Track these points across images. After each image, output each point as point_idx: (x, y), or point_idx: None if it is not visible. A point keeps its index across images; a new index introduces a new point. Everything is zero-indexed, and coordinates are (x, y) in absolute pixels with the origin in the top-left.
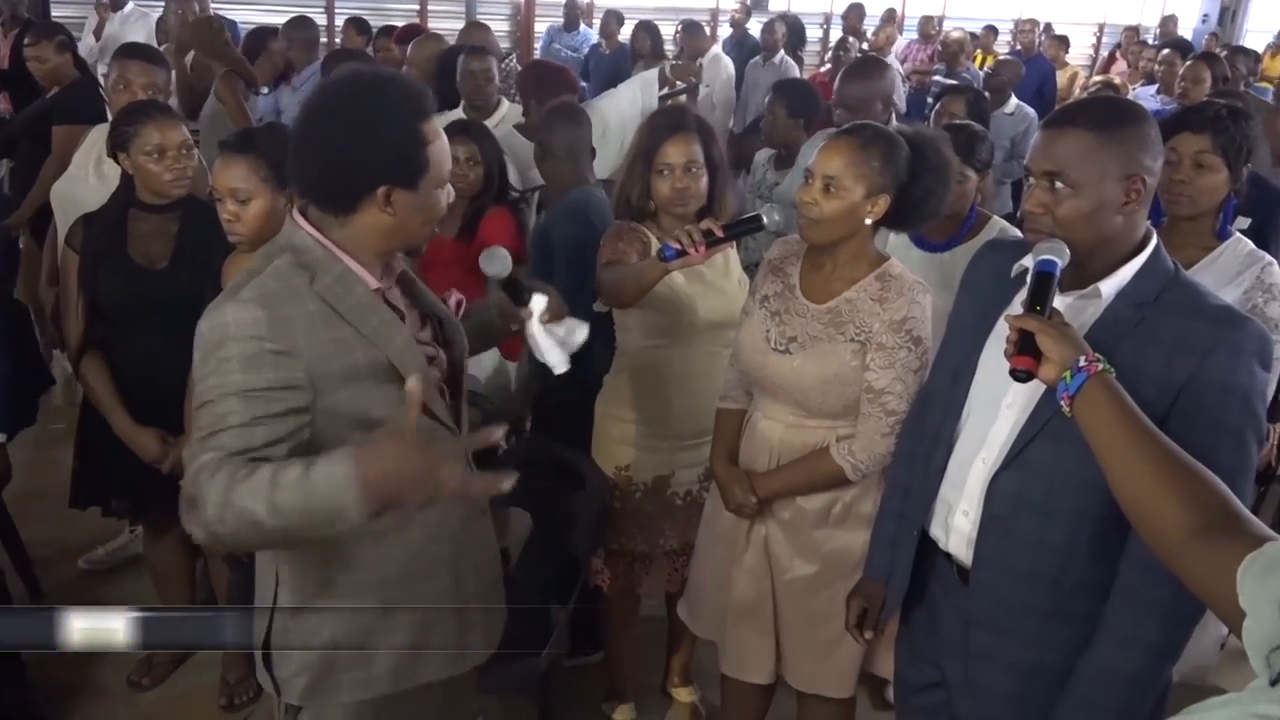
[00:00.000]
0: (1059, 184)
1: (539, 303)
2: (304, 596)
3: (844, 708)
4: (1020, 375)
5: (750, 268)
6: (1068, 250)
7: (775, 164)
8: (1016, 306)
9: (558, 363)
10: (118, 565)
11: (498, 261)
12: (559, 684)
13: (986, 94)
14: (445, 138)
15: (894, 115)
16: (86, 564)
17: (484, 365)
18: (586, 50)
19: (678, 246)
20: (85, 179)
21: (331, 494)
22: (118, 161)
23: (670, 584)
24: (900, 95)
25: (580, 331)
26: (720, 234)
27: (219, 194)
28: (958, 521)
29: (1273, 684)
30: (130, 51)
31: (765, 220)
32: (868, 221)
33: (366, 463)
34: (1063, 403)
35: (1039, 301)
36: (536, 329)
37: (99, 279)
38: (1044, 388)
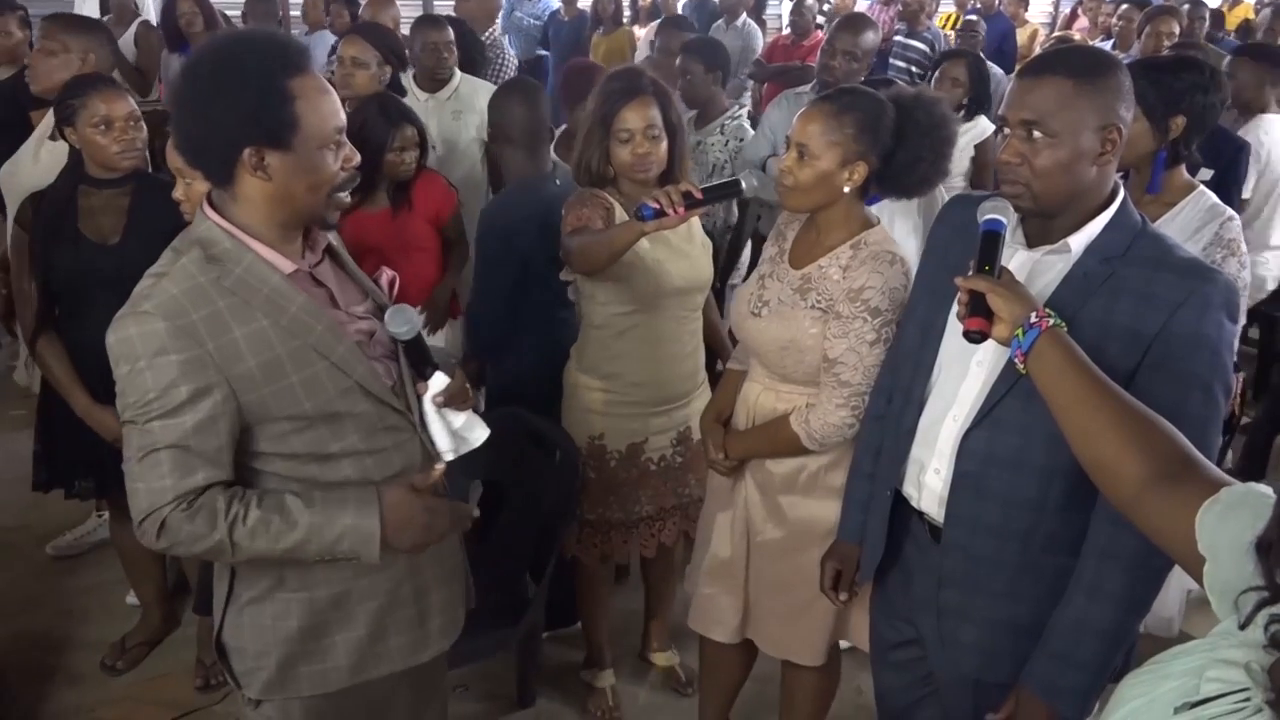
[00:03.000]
0: (1037, 133)
1: (438, 382)
2: (258, 590)
3: (825, 672)
4: (973, 336)
5: (709, 232)
6: (1013, 209)
7: (695, 124)
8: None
9: (444, 449)
10: (86, 550)
11: (403, 320)
12: (538, 652)
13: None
14: (329, 95)
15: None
16: (54, 550)
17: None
18: (548, 17)
19: (656, 206)
20: (27, 160)
21: (356, 545)
22: (64, 137)
23: (646, 549)
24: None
25: (477, 434)
26: (699, 196)
27: (173, 172)
28: (929, 480)
29: (1242, 627)
30: (67, 20)
31: (744, 184)
32: (846, 190)
33: (390, 515)
34: (1017, 360)
35: (987, 261)
36: (429, 407)
37: (50, 257)
38: None
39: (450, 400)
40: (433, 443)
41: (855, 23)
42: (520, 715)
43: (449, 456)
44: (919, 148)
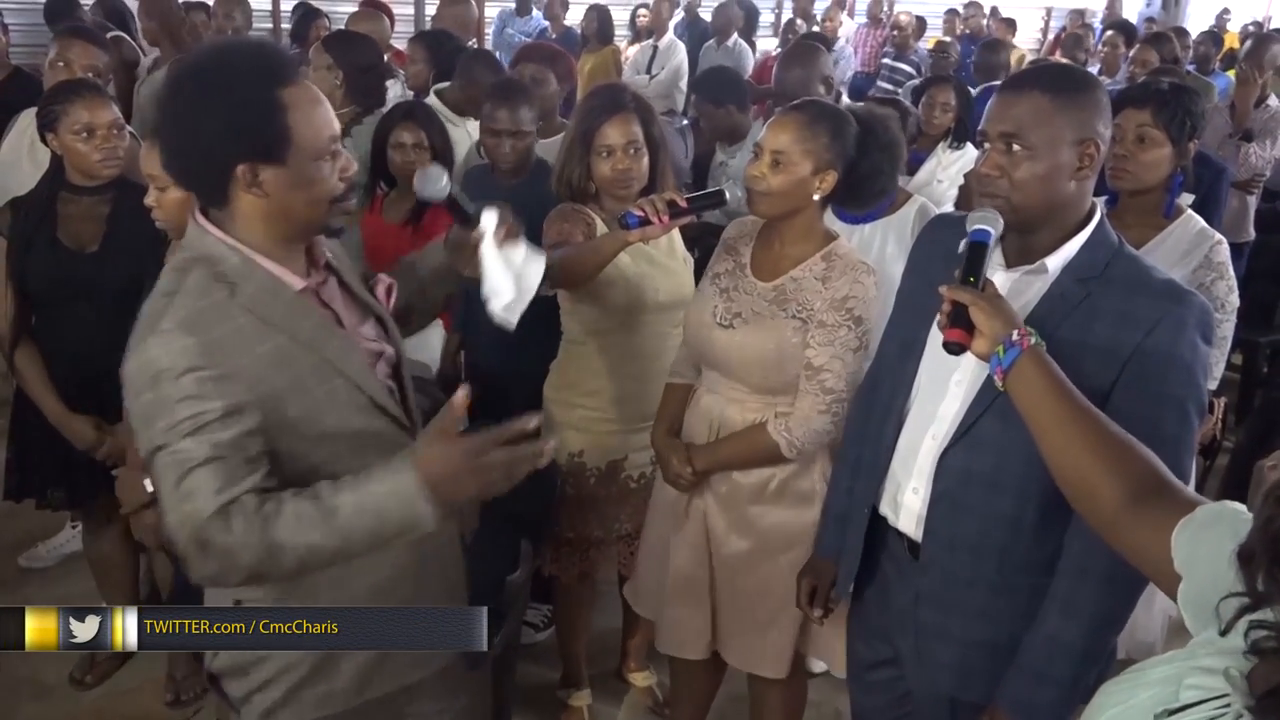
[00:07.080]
0: (1016, 146)
1: (490, 219)
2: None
3: (792, 686)
4: (952, 348)
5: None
6: (1001, 219)
7: (723, 146)
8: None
9: (507, 295)
10: (59, 562)
11: (432, 181)
12: (514, 669)
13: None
14: (322, 104)
15: (839, 95)
16: (27, 561)
17: (431, 346)
18: (537, 35)
19: (640, 215)
20: (19, 164)
21: (404, 508)
22: (46, 142)
23: (624, 568)
24: (844, 76)
25: (536, 265)
26: (684, 205)
27: (145, 178)
28: (907, 499)
29: (1223, 633)
30: (73, 31)
31: (728, 195)
32: (815, 198)
33: (428, 469)
34: (996, 377)
35: (972, 272)
36: (489, 251)
37: (27, 264)
38: None
39: (506, 233)
40: (490, 299)
41: (797, 57)
42: None
43: (515, 308)
44: (880, 160)
